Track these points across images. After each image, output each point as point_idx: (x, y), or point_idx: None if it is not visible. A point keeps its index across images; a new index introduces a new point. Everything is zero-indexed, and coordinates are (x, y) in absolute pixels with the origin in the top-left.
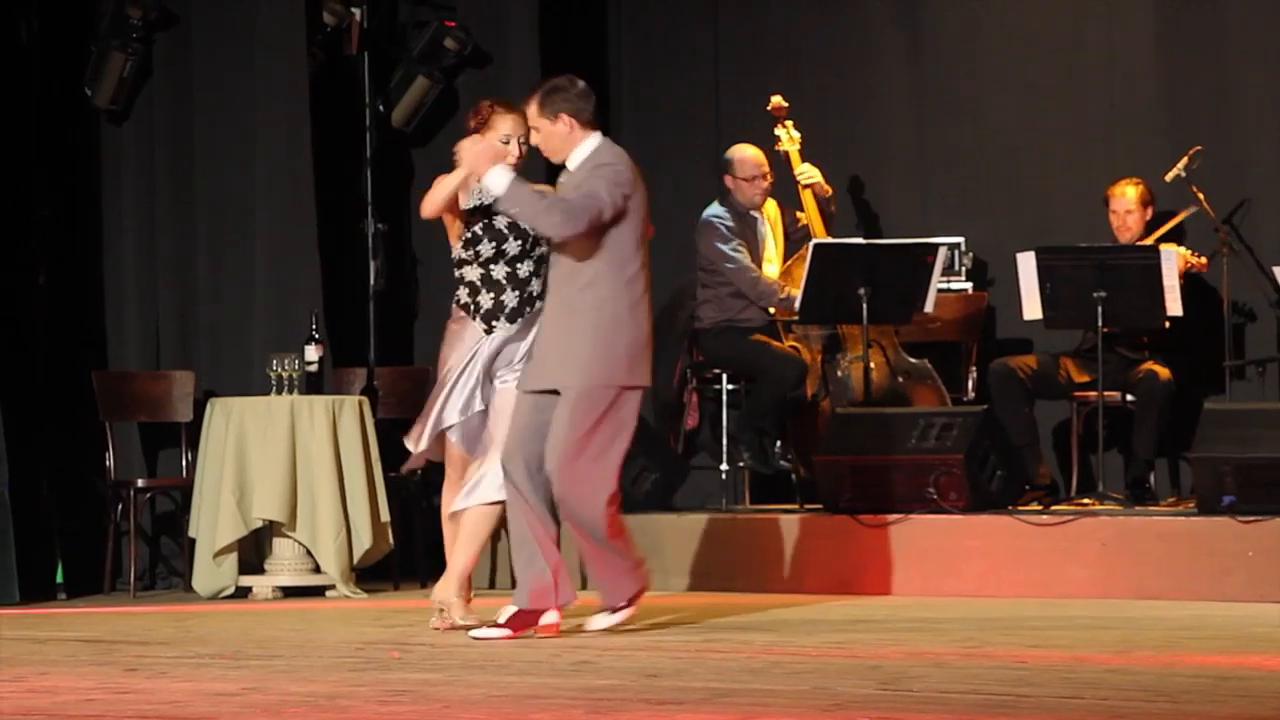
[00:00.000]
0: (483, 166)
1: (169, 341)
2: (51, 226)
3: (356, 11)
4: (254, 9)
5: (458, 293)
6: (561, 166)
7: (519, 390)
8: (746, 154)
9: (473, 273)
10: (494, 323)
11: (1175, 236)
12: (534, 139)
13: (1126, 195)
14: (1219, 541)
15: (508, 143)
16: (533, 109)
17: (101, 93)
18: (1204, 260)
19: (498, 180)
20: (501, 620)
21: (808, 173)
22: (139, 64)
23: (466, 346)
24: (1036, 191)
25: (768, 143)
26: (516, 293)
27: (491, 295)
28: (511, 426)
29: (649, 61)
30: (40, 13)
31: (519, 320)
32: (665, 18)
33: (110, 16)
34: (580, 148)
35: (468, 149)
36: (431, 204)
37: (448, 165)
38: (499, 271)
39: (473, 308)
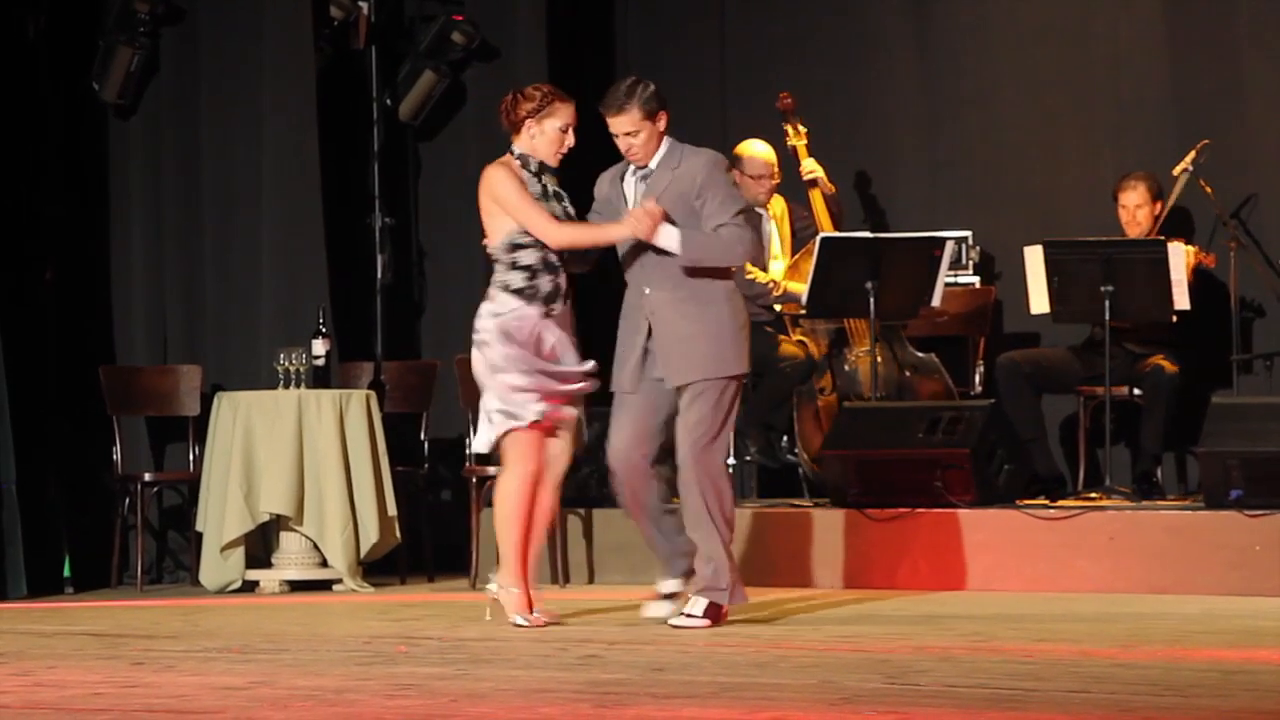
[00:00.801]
0: (653, 234)
1: (176, 336)
2: (59, 222)
3: (364, 6)
4: (261, 3)
5: (507, 279)
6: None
7: (640, 385)
8: (756, 152)
9: (530, 256)
10: (552, 306)
11: (1184, 231)
12: (627, 143)
13: (1136, 190)
14: (1226, 536)
15: (565, 131)
16: (633, 113)
17: (109, 87)
18: (1212, 255)
19: (671, 240)
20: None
21: (811, 169)
22: (146, 59)
23: (528, 333)
24: (1044, 185)
25: (775, 138)
26: (561, 277)
27: (550, 278)
28: (622, 428)
29: (656, 56)
30: (48, 8)
31: (559, 304)
32: (672, 12)
33: (117, 11)
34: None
35: (639, 218)
36: (573, 243)
37: (454, 159)
38: (554, 255)
39: (529, 291)
